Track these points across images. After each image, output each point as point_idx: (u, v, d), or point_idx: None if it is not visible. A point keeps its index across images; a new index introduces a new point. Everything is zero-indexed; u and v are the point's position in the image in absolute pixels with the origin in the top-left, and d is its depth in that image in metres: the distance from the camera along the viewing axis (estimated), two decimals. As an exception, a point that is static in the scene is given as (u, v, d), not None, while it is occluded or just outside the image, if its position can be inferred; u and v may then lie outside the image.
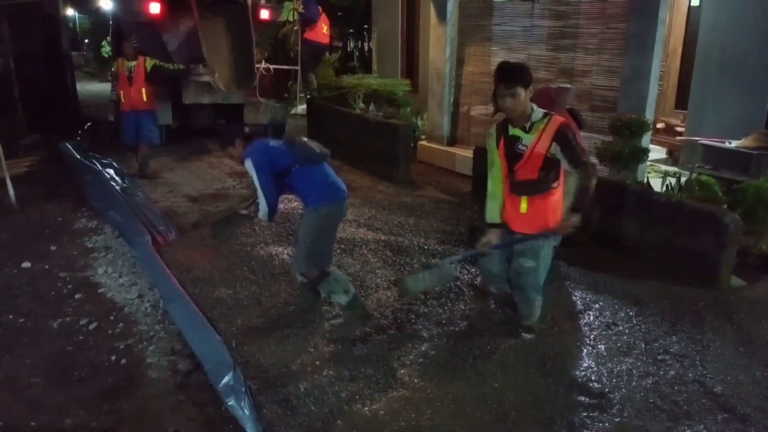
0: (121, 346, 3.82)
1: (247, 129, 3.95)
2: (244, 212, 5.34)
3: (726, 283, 4.56)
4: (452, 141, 8.52)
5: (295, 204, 6.04)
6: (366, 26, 12.95)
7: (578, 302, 4.33)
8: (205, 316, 4.04)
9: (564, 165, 3.43)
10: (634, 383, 3.40)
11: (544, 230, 3.51)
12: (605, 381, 3.41)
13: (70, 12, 23.22)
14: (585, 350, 3.73)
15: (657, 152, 7.88)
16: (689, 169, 6.10)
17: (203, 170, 8.18)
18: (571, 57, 6.72)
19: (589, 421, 3.07)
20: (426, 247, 5.31)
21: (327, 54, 11.22)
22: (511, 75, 3.41)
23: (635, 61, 5.87)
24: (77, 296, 4.49)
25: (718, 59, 7.07)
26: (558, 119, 3.43)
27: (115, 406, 3.25)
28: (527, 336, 3.83)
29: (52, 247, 5.36)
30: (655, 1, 5.64)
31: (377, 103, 9.05)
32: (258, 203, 3.84)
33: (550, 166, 3.41)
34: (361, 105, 9.04)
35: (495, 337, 3.83)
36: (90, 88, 17.10)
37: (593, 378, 3.44)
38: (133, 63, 7.45)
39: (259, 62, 9.08)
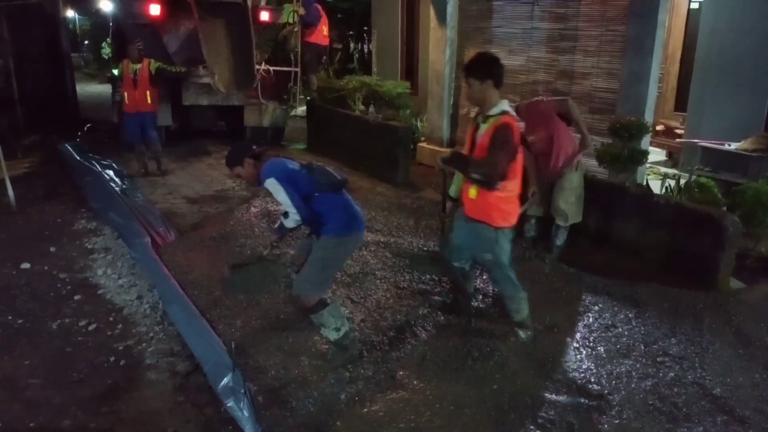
0: (120, 348, 3.82)
1: (254, 147, 3.69)
2: (267, 252, 4.94)
3: (725, 286, 4.56)
4: (452, 143, 8.51)
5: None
6: (366, 28, 12.98)
7: (577, 304, 4.33)
8: (204, 317, 4.04)
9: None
10: (633, 385, 3.40)
11: (488, 222, 3.59)
12: (604, 383, 3.41)
13: (70, 13, 23.21)
14: (584, 352, 3.74)
15: (656, 154, 7.89)
16: (688, 171, 6.10)
17: (203, 172, 8.18)
18: (571, 59, 6.72)
19: (588, 423, 3.08)
20: (425, 248, 5.31)
21: (325, 57, 11.27)
22: (468, 66, 3.62)
23: (635, 63, 5.88)
24: (76, 297, 4.49)
25: (718, 62, 7.08)
26: (505, 119, 3.46)
27: (114, 407, 3.24)
28: (521, 333, 3.85)
29: (52, 248, 5.35)
30: (654, 3, 5.64)
31: (377, 105, 9.05)
32: (283, 221, 3.60)
33: None
34: (361, 107, 9.03)
35: (494, 339, 3.84)
36: (90, 89, 17.08)
37: (592, 380, 3.44)
38: (138, 65, 7.48)
39: (259, 64, 9.09)
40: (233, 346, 3.58)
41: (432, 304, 4.30)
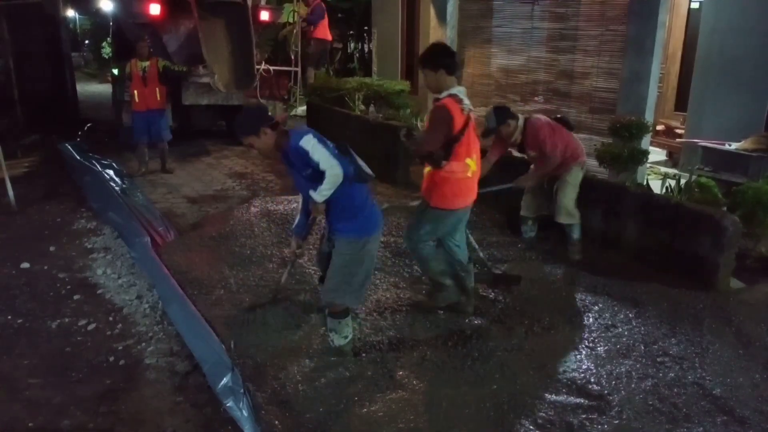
0: (120, 347, 3.82)
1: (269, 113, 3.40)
2: (284, 280, 4.28)
3: (725, 286, 4.56)
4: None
5: (295, 206, 6.03)
6: (366, 28, 12.97)
7: (577, 304, 4.32)
8: (203, 317, 4.03)
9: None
10: (633, 385, 3.40)
11: (426, 199, 3.81)
12: (604, 383, 3.41)
13: (70, 13, 23.22)
14: (584, 352, 3.73)
15: (657, 154, 7.89)
16: (689, 171, 6.10)
17: (202, 171, 8.18)
18: (571, 59, 6.72)
19: (587, 424, 3.07)
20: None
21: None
22: (422, 58, 3.83)
23: (635, 63, 5.88)
24: (76, 297, 4.49)
25: (718, 62, 7.08)
26: (442, 101, 3.69)
27: (114, 407, 3.24)
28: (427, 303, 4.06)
29: (51, 248, 5.35)
30: (654, 3, 5.64)
31: (377, 105, 9.05)
32: (326, 178, 3.21)
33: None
34: (361, 106, 9.03)
35: (493, 339, 3.83)
36: (90, 88, 17.09)
37: (592, 380, 3.43)
38: (147, 63, 7.54)
39: (259, 63, 9.09)
40: (232, 345, 3.58)
41: (435, 302, 4.29)
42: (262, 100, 9.10)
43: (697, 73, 7.38)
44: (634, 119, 5.55)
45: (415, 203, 4.78)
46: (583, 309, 4.26)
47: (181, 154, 8.74)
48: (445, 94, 3.71)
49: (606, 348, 3.77)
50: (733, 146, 6.28)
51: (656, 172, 7.21)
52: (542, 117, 5.03)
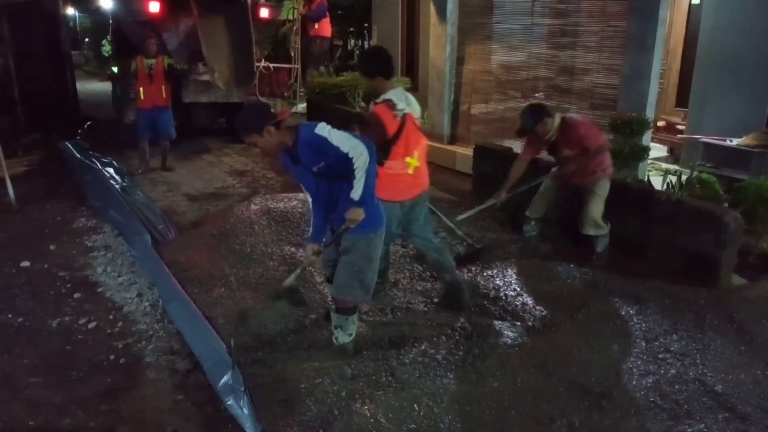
0: (120, 346, 3.82)
1: (272, 110, 3.27)
2: (289, 282, 4.03)
3: (727, 282, 4.55)
4: (452, 139, 8.51)
5: (295, 203, 6.03)
6: (366, 25, 12.96)
7: (578, 301, 4.31)
8: (204, 315, 4.03)
9: None
10: (634, 382, 3.39)
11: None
12: (605, 380, 3.40)
13: (70, 11, 23.22)
14: (585, 349, 3.72)
15: (658, 150, 7.87)
16: (690, 167, 6.09)
17: (203, 169, 8.18)
18: (572, 55, 6.70)
19: (589, 421, 3.06)
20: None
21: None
22: (360, 68, 4.09)
23: (636, 59, 5.86)
24: (76, 295, 4.48)
25: (719, 57, 7.06)
26: (375, 108, 3.83)
27: (114, 406, 3.24)
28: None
29: (51, 246, 5.35)
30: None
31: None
32: (356, 167, 3.10)
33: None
34: (362, 104, 9.02)
35: (495, 337, 3.83)
36: (90, 87, 17.09)
37: (593, 377, 3.42)
38: (153, 61, 7.57)
39: (259, 61, 9.07)
40: (233, 344, 3.57)
41: (433, 300, 4.31)
42: (262, 98, 9.09)
43: (698, 69, 7.36)
44: (635, 115, 5.53)
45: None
46: (584, 306, 4.25)
47: (181, 152, 8.73)
48: (380, 99, 3.83)
49: (607, 345, 3.76)
50: (735, 142, 6.26)
51: (657, 169, 7.20)
52: (578, 115, 4.96)
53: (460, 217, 5.11)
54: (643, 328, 3.95)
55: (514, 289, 4.48)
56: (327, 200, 3.37)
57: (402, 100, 3.86)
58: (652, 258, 4.90)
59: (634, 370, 3.50)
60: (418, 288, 4.51)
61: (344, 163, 3.10)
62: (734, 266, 4.61)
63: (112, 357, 3.69)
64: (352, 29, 13.93)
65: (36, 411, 3.20)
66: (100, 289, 4.60)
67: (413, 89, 9.80)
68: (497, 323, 4.00)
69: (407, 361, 3.56)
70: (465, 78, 8.25)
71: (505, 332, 3.88)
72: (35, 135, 9.64)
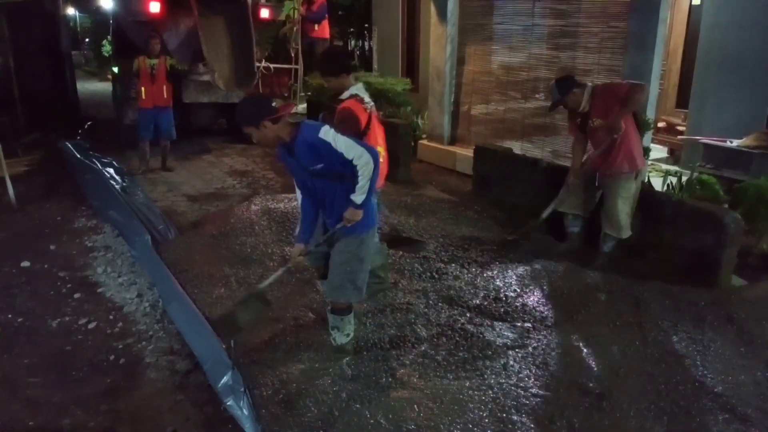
0: (120, 346, 3.82)
1: (273, 104, 3.21)
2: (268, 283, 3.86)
3: (727, 283, 4.54)
4: (453, 140, 8.51)
5: (295, 204, 6.02)
6: (366, 25, 12.96)
7: (578, 301, 4.31)
8: (204, 315, 4.03)
9: None
10: (634, 383, 3.39)
11: None
12: (605, 381, 3.40)
13: (70, 11, 23.20)
14: (585, 350, 3.72)
15: (658, 151, 7.87)
16: (690, 168, 6.08)
17: (203, 169, 8.18)
18: (572, 56, 6.70)
19: (589, 421, 3.06)
20: (426, 246, 5.30)
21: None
22: (321, 69, 4.14)
23: (636, 59, 5.85)
24: (76, 295, 4.48)
25: (719, 58, 7.06)
26: (346, 103, 3.88)
27: (114, 406, 3.24)
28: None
29: (52, 246, 5.35)
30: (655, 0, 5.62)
31: (377, 102, 9.02)
32: (360, 171, 3.11)
33: None
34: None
35: (495, 337, 3.83)
36: (90, 87, 17.09)
37: (593, 378, 3.42)
38: (155, 61, 7.57)
39: (260, 61, 9.07)
40: (233, 344, 3.57)
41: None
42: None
43: (698, 69, 7.36)
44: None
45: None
46: (584, 306, 4.25)
47: (181, 153, 8.73)
48: (347, 94, 3.93)
49: (607, 345, 3.76)
50: (735, 143, 6.26)
51: (657, 170, 7.20)
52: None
53: (544, 214, 4.99)
54: (643, 329, 3.94)
55: (514, 290, 4.48)
56: (320, 198, 3.37)
57: (365, 93, 4.07)
58: (652, 259, 4.89)
59: (634, 370, 3.50)
60: (418, 288, 4.50)
61: (344, 166, 3.12)
62: (734, 267, 4.61)
63: (112, 357, 3.69)
64: (352, 29, 13.92)
65: (36, 411, 3.20)
66: (100, 290, 4.60)
67: (413, 89, 9.80)
68: (497, 324, 4.00)
69: (407, 361, 3.57)
70: (465, 78, 8.25)
71: (505, 333, 3.89)
72: (35, 134, 9.64)
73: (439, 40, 8.28)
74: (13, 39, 9.87)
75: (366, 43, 13.46)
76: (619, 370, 3.50)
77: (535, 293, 4.43)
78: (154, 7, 8.34)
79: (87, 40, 26.17)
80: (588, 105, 4.67)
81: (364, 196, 3.17)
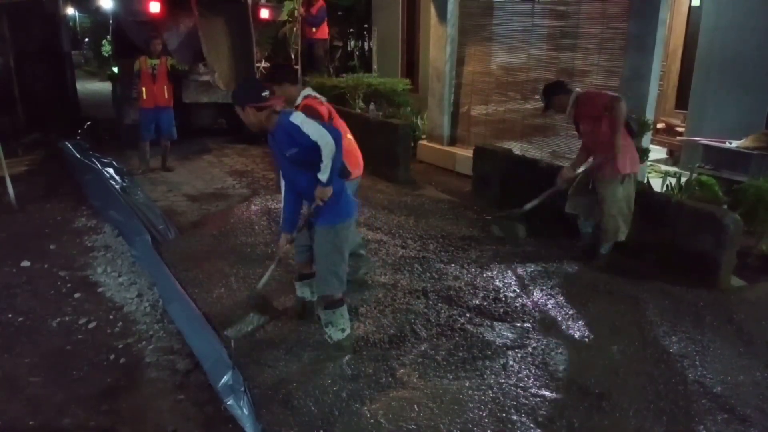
0: (120, 346, 3.82)
1: (265, 92, 3.39)
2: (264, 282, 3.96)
3: (726, 284, 4.55)
4: (452, 141, 8.52)
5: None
6: (366, 26, 12.95)
7: (578, 302, 4.32)
8: (204, 315, 4.03)
9: None
10: (633, 383, 3.39)
11: None
12: (605, 381, 3.40)
13: (70, 11, 23.20)
14: (584, 350, 3.73)
15: (657, 152, 7.88)
16: (689, 169, 6.09)
17: (203, 169, 8.18)
18: (572, 57, 6.71)
19: (588, 421, 3.07)
20: (426, 246, 5.31)
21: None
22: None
23: (635, 61, 5.87)
24: (76, 295, 4.49)
25: (719, 59, 7.07)
26: (304, 102, 4.12)
27: (114, 406, 3.24)
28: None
29: (52, 246, 5.35)
30: (655, 1, 5.63)
31: (377, 103, 9.04)
32: (323, 152, 3.28)
33: None
34: (361, 104, 9.03)
35: (494, 337, 3.83)
36: (90, 87, 17.09)
37: (593, 378, 3.43)
38: (157, 61, 7.59)
39: (259, 61, 9.08)
40: (233, 344, 3.57)
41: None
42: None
43: (697, 71, 7.37)
44: (634, 117, 5.54)
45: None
46: (584, 307, 4.26)
47: (181, 153, 8.73)
48: (301, 97, 4.18)
49: (607, 346, 3.77)
50: (734, 144, 6.27)
51: (657, 171, 7.21)
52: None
53: (527, 206, 5.08)
54: (643, 329, 3.95)
55: (514, 290, 4.49)
56: (299, 188, 3.55)
57: (316, 93, 4.34)
58: (651, 259, 4.90)
59: (634, 370, 3.51)
60: (418, 288, 4.51)
61: (314, 152, 3.31)
62: (734, 268, 4.62)
63: (112, 357, 3.69)
64: (352, 30, 13.92)
65: (36, 410, 3.21)
66: (100, 289, 4.60)
67: (413, 90, 9.81)
68: (497, 324, 4.01)
69: (407, 361, 3.57)
70: (465, 79, 8.25)
71: (505, 333, 3.89)
72: (35, 134, 9.65)
73: (438, 41, 8.29)
74: (13, 39, 9.89)
75: (366, 44, 13.46)
76: (619, 370, 3.51)
77: (535, 293, 4.45)
78: (154, 8, 8.35)
79: (87, 40, 26.16)
80: (573, 110, 4.80)
81: (327, 175, 3.34)
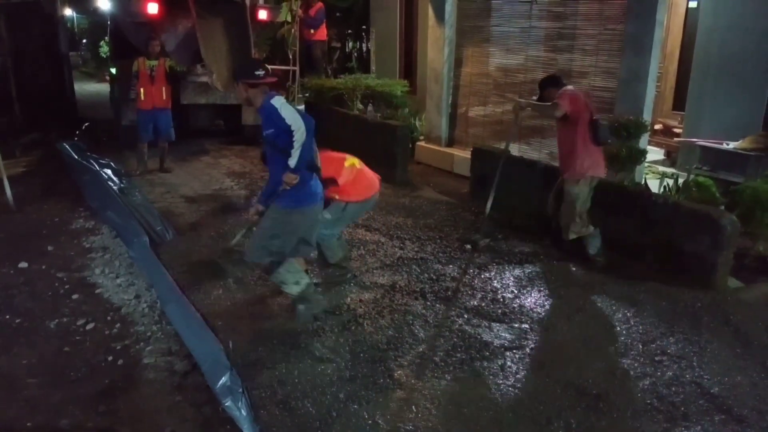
0: (118, 347, 3.81)
1: (261, 72, 3.74)
2: (236, 241, 4.60)
3: (723, 285, 4.57)
4: (450, 142, 8.52)
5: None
6: (364, 27, 12.95)
7: (575, 303, 4.33)
8: (202, 316, 4.03)
9: None
10: (631, 384, 3.40)
11: None
12: (602, 382, 3.41)
13: (68, 12, 23.15)
14: (582, 351, 3.74)
15: (655, 153, 7.89)
16: (687, 170, 6.11)
17: (201, 170, 8.17)
18: (569, 58, 6.72)
19: (586, 422, 3.08)
20: (423, 248, 5.31)
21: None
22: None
23: (633, 62, 5.88)
24: (74, 296, 4.48)
25: (716, 61, 7.08)
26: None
27: (112, 407, 3.24)
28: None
29: (50, 247, 5.34)
30: (653, 2, 5.64)
31: (375, 104, 9.04)
32: (294, 136, 3.55)
33: None
34: (359, 106, 9.03)
35: (492, 338, 3.84)
36: (88, 87, 17.06)
37: (590, 379, 3.44)
38: (155, 62, 7.58)
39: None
40: (231, 345, 3.57)
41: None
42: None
43: (695, 72, 7.38)
44: (632, 118, 5.56)
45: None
46: (581, 308, 4.27)
47: (179, 154, 8.72)
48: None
49: (604, 347, 3.78)
50: (731, 145, 6.28)
51: (654, 172, 7.22)
52: (576, 90, 4.96)
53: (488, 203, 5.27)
54: (640, 331, 3.96)
55: (511, 291, 4.50)
56: (275, 170, 3.73)
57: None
58: (648, 260, 4.91)
59: (631, 372, 3.52)
60: (416, 289, 4.52)
61: (287, 137, 3.53)
62: (731, 269, 4.63)
63: (110, 358, 3.69)
64: (350, 31, 13.91)
65: (34, 411, 3.20)
66: (98, 291, 4.60)
67: (411, 91, 9.81)
68: (494, 325, 4.02)
69: (405, 362, 3.58)
70: (463, 80, 8.26)
71: (502, 334, 3.90)
72: (33, 135, 9.62)
73: (436, 42, 8.30)
74: (11, 40, 9.88)
75: (364, 45, 13.46)
76: (616, 371, 3.52)
77: (533, 295, 4.45)
78: (152, 9, 8.34)
79: (84, 41, 26.10)
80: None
81: (295, 161, 3.58)
